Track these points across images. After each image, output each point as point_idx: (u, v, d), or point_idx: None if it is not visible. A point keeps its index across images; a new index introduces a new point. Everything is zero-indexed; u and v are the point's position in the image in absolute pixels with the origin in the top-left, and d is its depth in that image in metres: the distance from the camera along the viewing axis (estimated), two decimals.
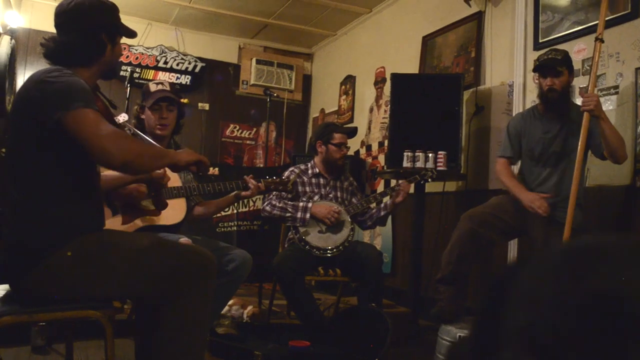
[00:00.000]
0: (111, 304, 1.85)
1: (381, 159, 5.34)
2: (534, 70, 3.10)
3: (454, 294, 3.00)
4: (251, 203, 5.36)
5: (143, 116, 2.83)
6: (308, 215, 3.27)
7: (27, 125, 1.79)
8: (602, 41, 2.76)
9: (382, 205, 3.48)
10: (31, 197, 1.78)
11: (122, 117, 2.55)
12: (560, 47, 3.38)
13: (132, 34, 2.07)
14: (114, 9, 2.03)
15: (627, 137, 2.97)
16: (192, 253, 1.95)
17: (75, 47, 1.90)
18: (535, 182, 3.04)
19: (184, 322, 1.88)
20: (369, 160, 5.58)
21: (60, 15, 1.92)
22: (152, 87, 2.84)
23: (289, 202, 3.35)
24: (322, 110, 6.81)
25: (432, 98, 4.05)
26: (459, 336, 2.65)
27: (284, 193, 3.29)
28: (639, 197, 3.07)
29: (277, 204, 3.33)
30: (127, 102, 4.25)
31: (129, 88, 4.38)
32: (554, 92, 2.97)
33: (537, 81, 3.11)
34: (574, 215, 2.74)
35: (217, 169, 5.28)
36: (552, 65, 2.96)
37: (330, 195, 3.47)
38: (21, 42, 5.65)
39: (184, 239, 2.46)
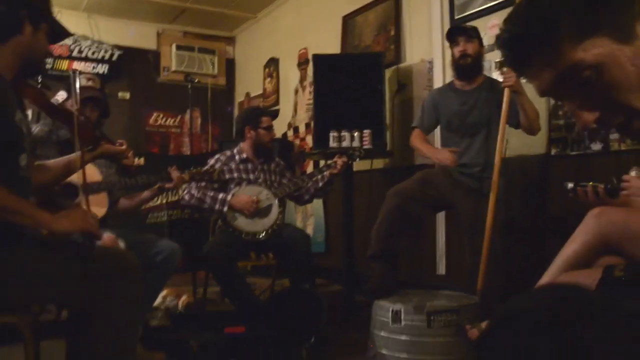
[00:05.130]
0: (29, 308, 1.77)
1: (309, 140, 5.34)
2: (447, 37, 3.18)
3: (385, 269, 3.05)
4: (180, 192, 5.26)
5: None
6: (226, 208, 3.24)
7: None
8: None
9: (320, 176, 3.49)
10: None
11: (61, 96, 2.44)
12: (476, 22, 3.48)
13: (61, 32, 1.93)
14: None
15: (542, 109, 3.09)
16: (111, 256, 1.89)
17: None
18: (456, 154, 3.12)
19: (111, 326, 1.83)
20: (297, 142, 5.57)
21: None
22: (82, 81, 2.72)
23: (209, 193, 3.30)
24: (248, 94, 6.74)
25: (355, 77, 4.07)
26: (392, 310, 2.71)
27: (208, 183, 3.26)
28: (553, 165, 3.22)
29: (196, 194, 3.29)
30: None
31: (39, 79, 4.17)
32: (466, 57, 3.06)
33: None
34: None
35: (142, 159, 5.14)
36: (464, 28, 3.07)
37: (260, 180, 3.46)
38: None
39: (106, 235, 2.39)
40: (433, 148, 3.18)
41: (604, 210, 1.82)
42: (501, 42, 0.98)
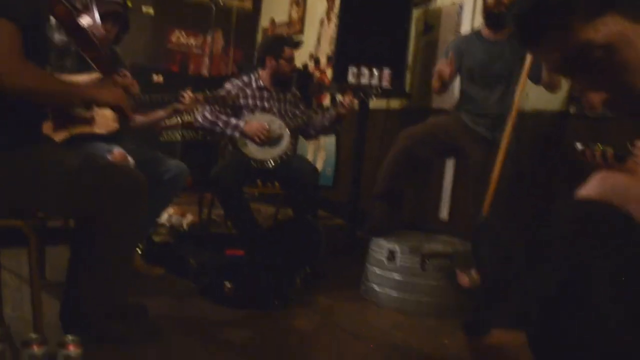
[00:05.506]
0: (35, 213, 1.84)
1: (329, 73, 5.29)
2: None
3: (388, 209, 3.10)
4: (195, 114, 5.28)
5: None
6: (237, 134, 3.28)
7: None
8: None
9: (328, 115, 3.50)
10: None
11: (87, 21, 2.44)
12: None
13: None
14: None
15: None
16: (121, 174, 1.94)
17: None
18: (474, 103, 3.10)
19: (112, 240, 1.91)
20: (317, 74, 5.52)
21: None
22: None
23: (222, 117, 3.32)
24: (272, 21, 6.62)
25: (382, 14, 3.98)
26: (388, 249, 2.77)
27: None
28: (570, 124, 3.18)
29: (209, 117, 3.31)
30: None
31: None
32: (500, 5, 2.98)
33: None
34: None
35: (161, 76, 5.13)
36: None
37: (274, 109, 3.46)
38: None
39: (117, 150, 2.44)
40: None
41: (607, 175, 1.82)
42: (511, 16, 0.95)
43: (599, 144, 2.05)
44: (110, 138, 2.64)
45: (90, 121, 2.59)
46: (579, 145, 2.09)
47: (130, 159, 2.47)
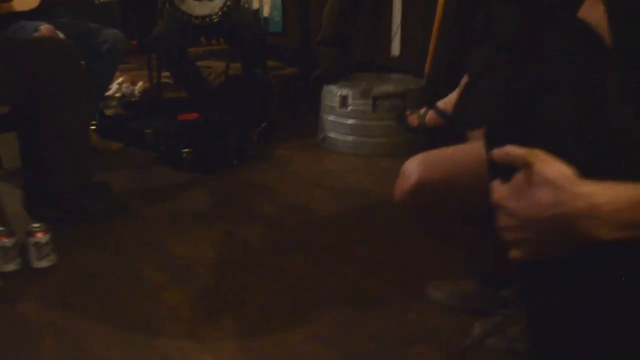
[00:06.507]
0: None
1: None
2: None
3: (335, 54, 3.06)
4: None
5: None
6: None
7: None
8: None
9: None
10: None
11: None
12: None
13: None
14: None
15: None
16: (44, 45, 1.88)
17: None
18: None
19: (61, 113, 1.89)
20: None
21: None
22: None
23: None
24: None
25: None
26: (340, 95, 2.79)
27: None
28: None
29: None
30: None
31: None
32: None
33: None
34: None
35: None
36: None
37: None
38: None
39: (44, 27, 2.32)
40: None
41: None
42: None
43: None
44: (36, 14, 2.50)
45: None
46: None
47: (60, 34, 2.36)
